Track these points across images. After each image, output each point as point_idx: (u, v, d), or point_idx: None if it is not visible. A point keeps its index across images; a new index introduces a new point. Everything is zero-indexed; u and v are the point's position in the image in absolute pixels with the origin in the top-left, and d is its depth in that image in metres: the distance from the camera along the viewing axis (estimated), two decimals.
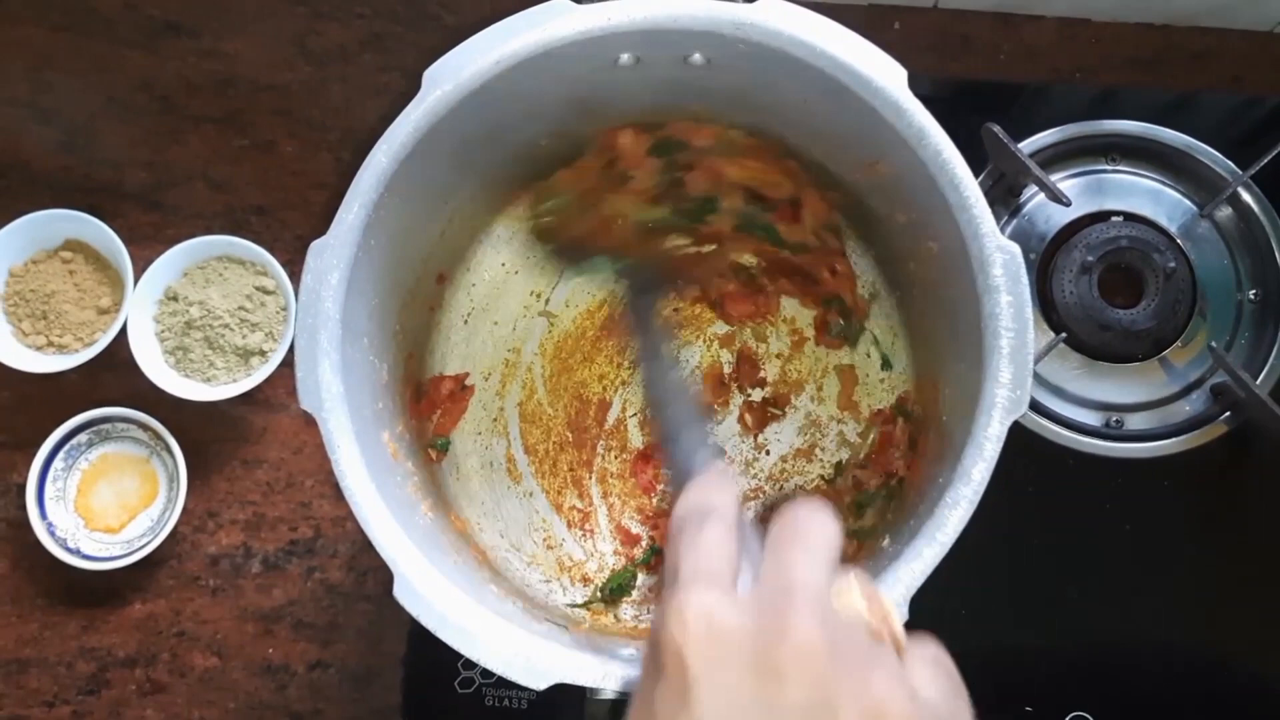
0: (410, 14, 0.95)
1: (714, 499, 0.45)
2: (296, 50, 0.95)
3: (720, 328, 0.84)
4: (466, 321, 0.84)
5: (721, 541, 0.43)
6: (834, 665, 0.37)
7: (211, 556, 0.87)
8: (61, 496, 0.86)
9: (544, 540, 0.81)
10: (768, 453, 0.82)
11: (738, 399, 0.83)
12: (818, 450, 0.82)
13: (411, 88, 0.66)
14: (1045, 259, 0.88)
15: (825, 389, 0.83)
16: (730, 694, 0.37)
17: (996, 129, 0.82)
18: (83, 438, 0.87)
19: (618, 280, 0.79)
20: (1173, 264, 0.85)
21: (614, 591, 0.79)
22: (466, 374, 0.83)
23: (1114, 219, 0.87)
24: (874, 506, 0.78)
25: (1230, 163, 0.87)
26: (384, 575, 0.60)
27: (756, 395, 0.83)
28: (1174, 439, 0.85)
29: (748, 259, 0.83)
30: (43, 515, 0.84)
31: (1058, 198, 0.82)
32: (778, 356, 0.83)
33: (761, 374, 0.83)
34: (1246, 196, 0.87)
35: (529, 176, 0.83)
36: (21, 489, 0.85)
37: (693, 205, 0.80)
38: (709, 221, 0.80)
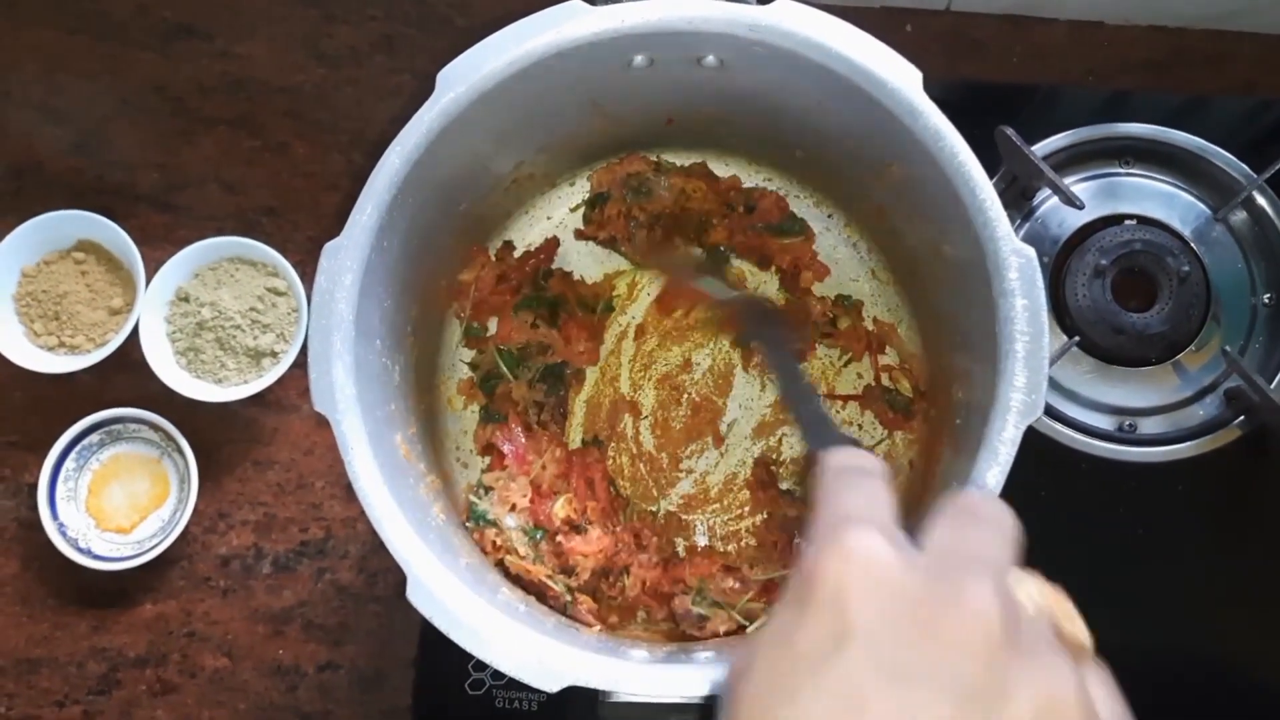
0: (422, 16, 0.95)
1: (865, 459, 0.43)
2: (308, 52, 0.95)
3: None
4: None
5: (884, 496, 0.40)
6: (1009, 647, 0.34)
7: (222, 557, 0.87)
8: (73, 497, 0.86)
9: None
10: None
11: None
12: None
13: (423, 89, 0.66)
14: (1058, 262, 0.87)
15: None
16: (892, 648, 0.33)
17: (1009, 132, 0.81)
18: (94, 438, 0.87)
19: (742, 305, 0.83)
20: (1186, 268, 0.84)
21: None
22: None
23: (1127, 222, 0.87)
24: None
25: (1245, 166, 0.87)
26: (394, 577, 0.60)
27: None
28: (1187, 443, 0.85)
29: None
30: (54, 515, 0.84)
31: (1071, 201, 0.82)
32: None
33: None
34: (1261, 200, 0.87)
35: (541, 177, 0.84)
36: (33, 489, 0.85)
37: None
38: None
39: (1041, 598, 0.38)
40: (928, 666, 0.33)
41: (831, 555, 0.36)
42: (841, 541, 0.36)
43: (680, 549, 0.81)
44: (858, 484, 0.41)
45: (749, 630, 0.72)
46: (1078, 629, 0.38)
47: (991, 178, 0.77)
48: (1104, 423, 0.86)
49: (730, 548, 0.81)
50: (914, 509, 0.74)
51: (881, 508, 0.40)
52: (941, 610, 0.34)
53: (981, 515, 0.40)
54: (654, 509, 0.82)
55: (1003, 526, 0.39)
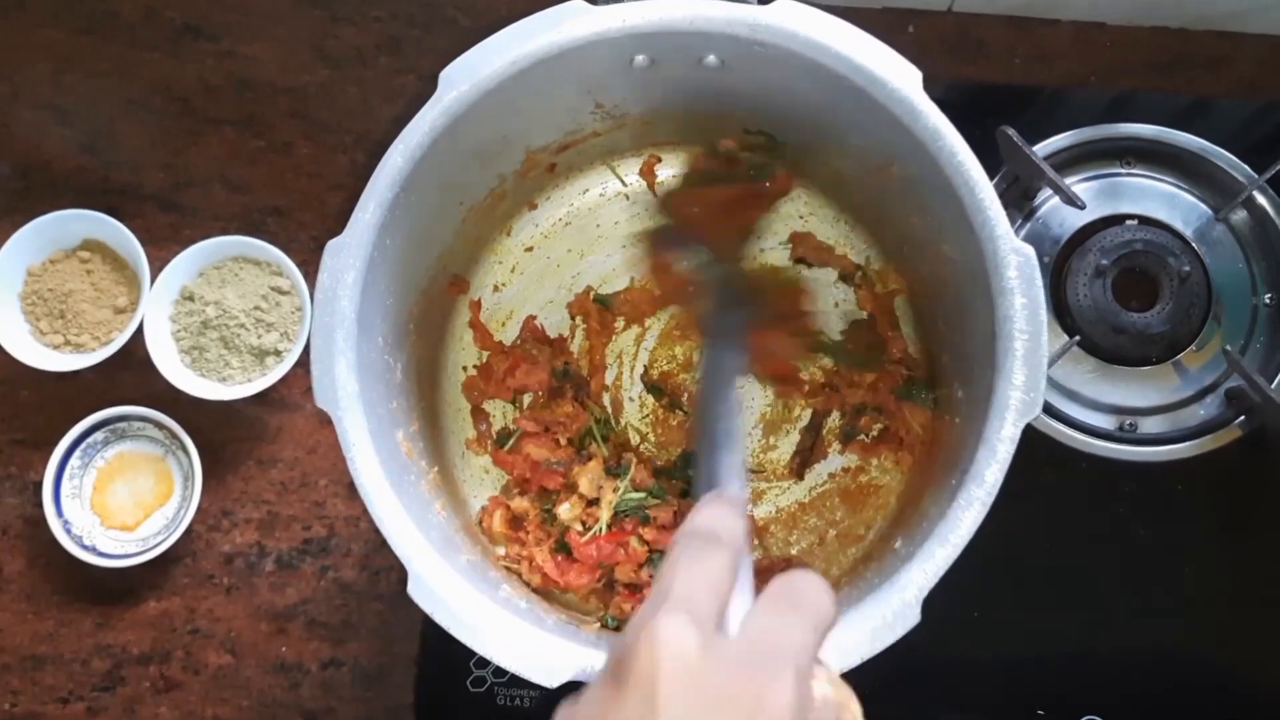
0: (426, 17, 0.96)
1: (724, 526, 0.45)
2: (314, 53, 0.95)
3: None
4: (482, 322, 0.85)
5: (720, 574, 0.42)
6: None
7: (226, 555, 0.88)
8: (78, 494, 0.87)
9: None
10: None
11: None
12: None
13: (427, 90, 0.67)
14: (1059, 262, 0.88)
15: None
16: None
17: (1011, 132, 0.82)
18: (99, 436, 0.87)
19: (717, 288, 0.78)
20: (1187, 268, 0.84)
21: None
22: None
23: (1128, 222, 0.87)
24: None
25: (1246, 166, 0.87)
26: (397, 574, 0.61)
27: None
28: (1188, 443, 0.85)
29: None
30: (59, 513, 0.85)
31: (1072, 201, 0.82)
32: None
33: None
34: (1262, 200, 0.87)
35: (542, 177, 0.84)
36: (38, 487, 0.86)
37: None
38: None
39: (834, 692, 0.42)
40: None
41: (645, 641, 0.39)
42: (655, 629, 0.39)
43: None
44: (701, 558, 0.43)
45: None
46: (858, 716, 0.43)
47: (993, 178, 0.77)
48: (1104, 422, 0.86)
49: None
50: (912, 508, 0.74)
51: (713, 591, 0.42)
52: (749, 710, 0.37)
53: (800, 600, 0.42)
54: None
55: (818, 614, 0.42)
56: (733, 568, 0.43)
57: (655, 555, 0.76)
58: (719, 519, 0.46)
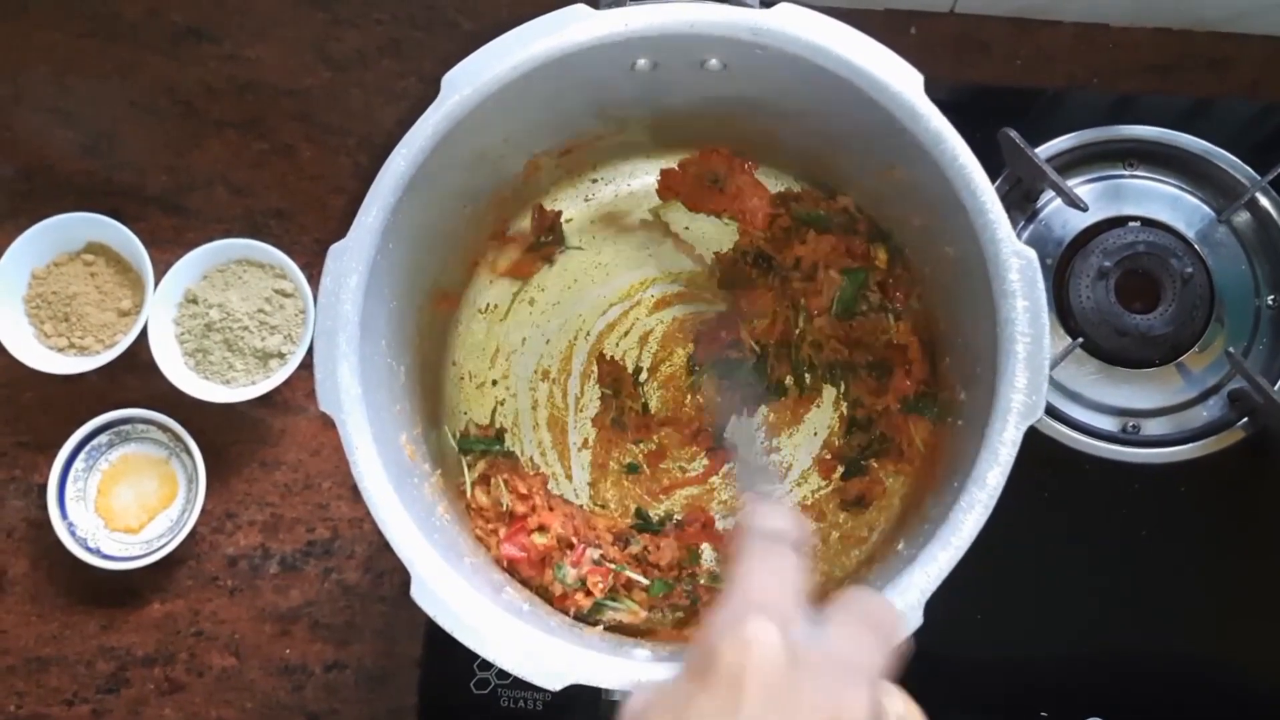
0: (428, 20, 0.96)
1: (788, 526, 0.48)
2: (316, 56, 0.95)
3: None
4: (484, 324, 0.85)
5: (795, 575, 0.46)
6: None
7: (230, 557, 0.88)
8: (82, 497, 0.87)
9: None
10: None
11: None
12: None
13: (429, 93, 0.67)
14: (1062, 264, 0.87)
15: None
16: None
17: (1013, 134, 0.82)
18: (103, 439, 0.88)
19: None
20: (1190, 269, 0.84)
21: None
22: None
23: (1131, 224, 0.87)
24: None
25: (1248, 168, 0.87)
26: (400, 576, 0.61)
27: None
28: (1191, 445, 0.85)
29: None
30: (63, 515, 0.85)
31: (1074, 203, 0.82)
32: None
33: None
34: (1265, 202, 0.87)
35: (544, 180, 0.84)
36: (43, 489, 0.86)
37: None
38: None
39: (905, 709, 0.44)
40: None
41: (734, 641, 0.41)
42: (744, 630, 0.42)
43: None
44: (771, 559, 0.46)
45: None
46: None
47: (995, 180, 0.77)
48: (1107, 424, 0.86)
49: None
50: (914, 510, 0.74)
51: (789, 588, 0.45)
52: (823, 712, 0.40)
53: (875, 622, 0.46)
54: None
55: (891, 637, 0.46)
56: (802, 569, 0.46)
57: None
58: (779, 519, 0.48)
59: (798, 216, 0.82)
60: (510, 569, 0.74)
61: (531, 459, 0.83)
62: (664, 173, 0.85)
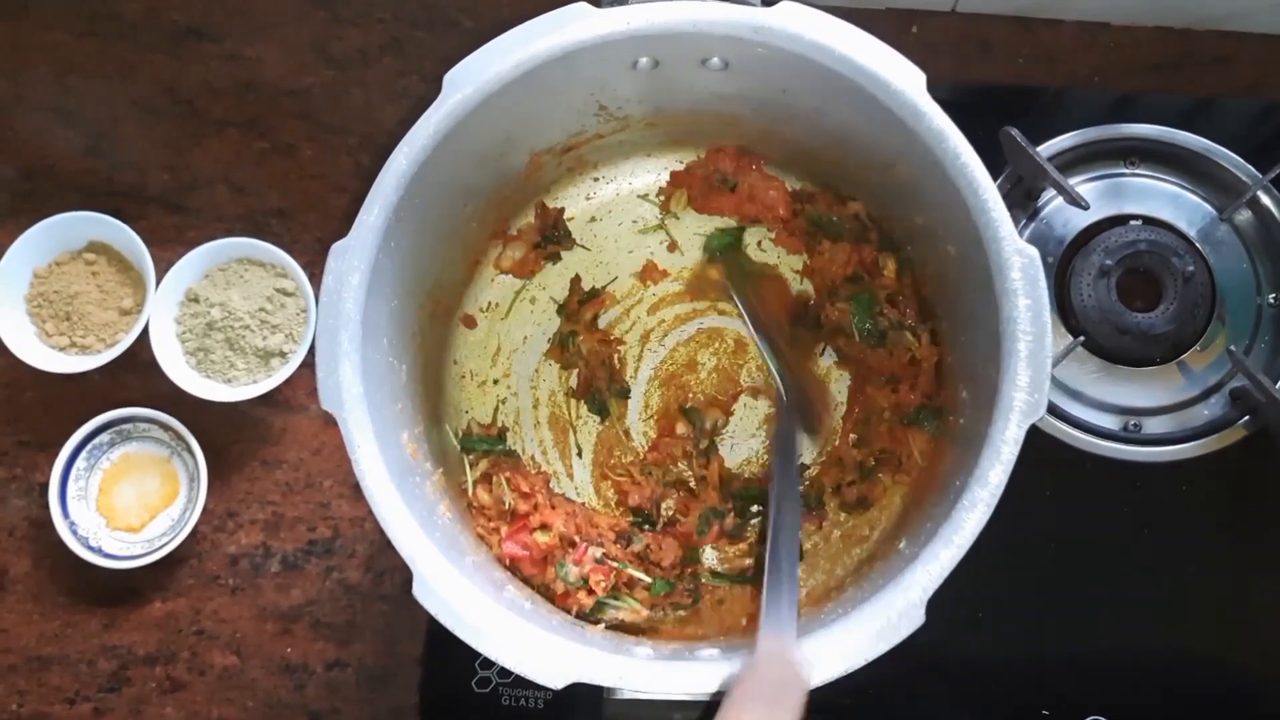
0: (430, 19, 0.96)
1: (789, 675, 0.55)
2: (317, 55, 0.95)
3: None
4: (486, 322, 0.85)
5: None
6: None
7: (231, 556, 0.88)
8: (84, 496, 0.87)
9: None
10: None
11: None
12: None
13: (431, 92, 0.67)
14: (1063, 262, 0.88)
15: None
16: None
17: (1014, 132, 0.82)
18: (104, 438, 0.88)
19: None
20: (1191, 268, 0.84)
21: None
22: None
23: (1132, 222, 0.87)
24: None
25: (1250, 167, 0.87)
26: (401, 575, 0.61)
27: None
28: (1192, 443, 0.85)
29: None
30: (65, 514, 0.85)
31: (1076, 201, 0.82)
32: None
33: None
34: (1266, 200, 0.87)
35: (546, 179, 0.84)
36: (44, 488, 0.86)
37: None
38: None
39: None
40: None
41: None
42: None
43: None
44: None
45: None
46: None
47: (996, 179, 0.77)
48: (1109, 422, 0.86)
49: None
50: (916, 509, 0.74)
51: None
52: None
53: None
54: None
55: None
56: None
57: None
58: (781, 665, 0.56)
59: (813, 220, 0.82)
60: (512, 567, 0.74)
61: (533, 457, 0.83)
62: (674, 175, 0.85)
